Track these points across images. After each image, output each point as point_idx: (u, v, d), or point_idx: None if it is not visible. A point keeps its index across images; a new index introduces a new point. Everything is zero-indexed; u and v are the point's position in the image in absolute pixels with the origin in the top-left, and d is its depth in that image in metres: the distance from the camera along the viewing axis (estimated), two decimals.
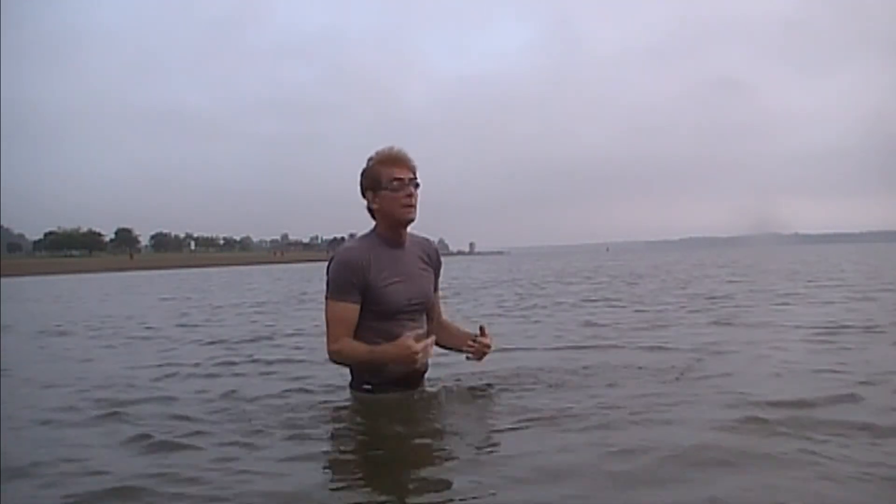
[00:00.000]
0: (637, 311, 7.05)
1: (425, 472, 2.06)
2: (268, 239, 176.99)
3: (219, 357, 4.51)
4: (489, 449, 2.25)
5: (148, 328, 7.06)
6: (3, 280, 27.41)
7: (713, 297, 8.46)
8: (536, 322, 6.27)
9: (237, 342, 5.42)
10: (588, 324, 5.86)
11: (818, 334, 4.65)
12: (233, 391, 3.21)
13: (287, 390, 3.17)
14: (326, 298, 2.69)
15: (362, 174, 2.72)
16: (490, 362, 2.97)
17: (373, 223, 2.76)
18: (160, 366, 4.23)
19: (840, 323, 5.18)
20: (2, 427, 2.73)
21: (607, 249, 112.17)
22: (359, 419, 2.65)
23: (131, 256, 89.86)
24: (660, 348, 4.19)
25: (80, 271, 45.50)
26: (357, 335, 2.67)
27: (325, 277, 2.73)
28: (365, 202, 2.74)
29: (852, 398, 2.69)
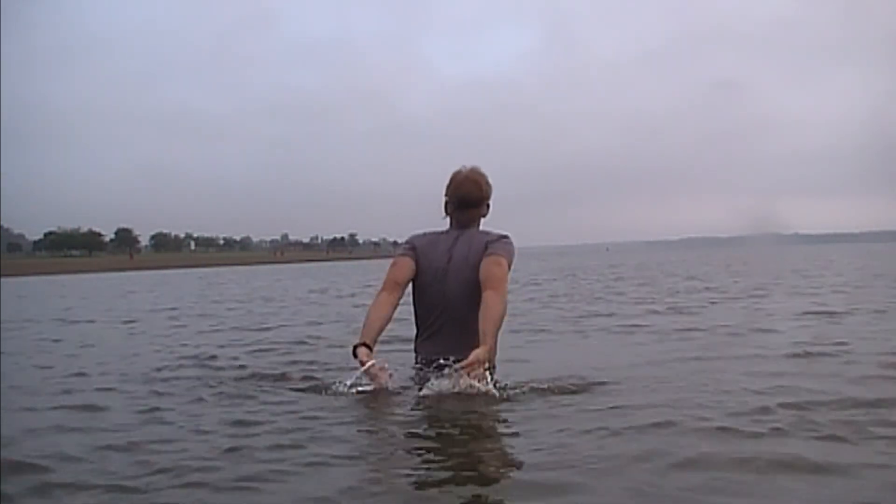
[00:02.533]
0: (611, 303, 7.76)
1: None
2: (268, 239, 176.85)
3: (287, 337, 5.00)
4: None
5: (201, 315, 7.56)
6: (4, 280, 27.67)
7: (685, 291, 9.33)
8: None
9: (299, 325, 5.99)
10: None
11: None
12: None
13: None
14: (507, 263, 3.02)
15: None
16: None
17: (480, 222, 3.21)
18: (224, 347, 4.69)
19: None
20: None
21: (607, 249, 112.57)
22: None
23: (131, 256, 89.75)
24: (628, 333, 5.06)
25: (80, 271, 45.74)
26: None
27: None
28: (487, 205, 3.20)
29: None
